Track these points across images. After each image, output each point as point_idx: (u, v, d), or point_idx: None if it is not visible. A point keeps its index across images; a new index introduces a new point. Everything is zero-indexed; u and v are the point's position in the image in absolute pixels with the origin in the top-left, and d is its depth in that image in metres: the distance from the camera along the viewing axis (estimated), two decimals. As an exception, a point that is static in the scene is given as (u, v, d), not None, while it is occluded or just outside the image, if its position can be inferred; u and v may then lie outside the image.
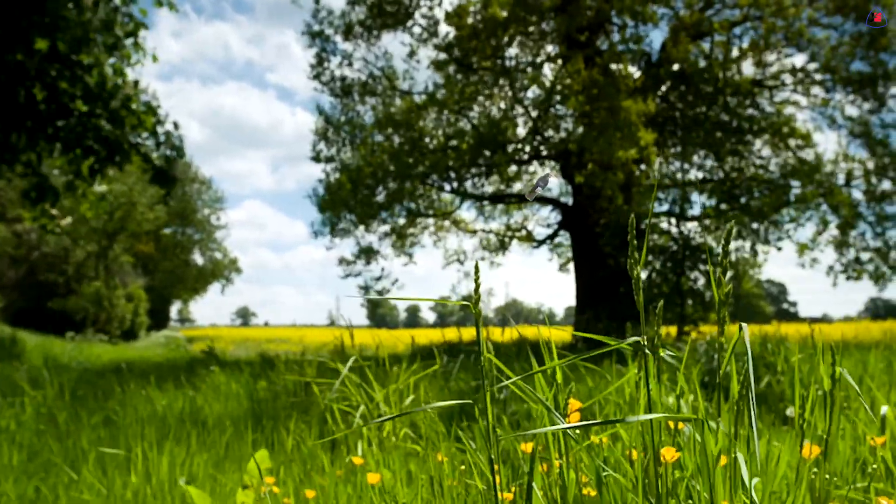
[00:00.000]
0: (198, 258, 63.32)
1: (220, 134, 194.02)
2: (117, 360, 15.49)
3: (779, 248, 19.26)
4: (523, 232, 22.37)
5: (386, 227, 20.81)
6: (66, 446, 4.57)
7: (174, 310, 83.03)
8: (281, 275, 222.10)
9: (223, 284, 65.24)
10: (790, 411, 3.85)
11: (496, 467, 1.62)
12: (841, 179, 18.75)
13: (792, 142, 18.84)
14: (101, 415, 5.83)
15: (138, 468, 3.67)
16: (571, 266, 21.44)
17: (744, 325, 1.48)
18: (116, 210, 43.54)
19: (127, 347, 30.05)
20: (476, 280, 1.58)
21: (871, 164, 18.54)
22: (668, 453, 1.70)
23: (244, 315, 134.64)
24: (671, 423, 1.87)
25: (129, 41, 14.50)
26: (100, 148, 14.25)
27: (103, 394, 7.39)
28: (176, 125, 15.83)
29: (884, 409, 2.36)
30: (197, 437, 4.67)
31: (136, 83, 15.17)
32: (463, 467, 2.31)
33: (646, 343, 1.65)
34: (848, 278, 18.87)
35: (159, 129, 15.54)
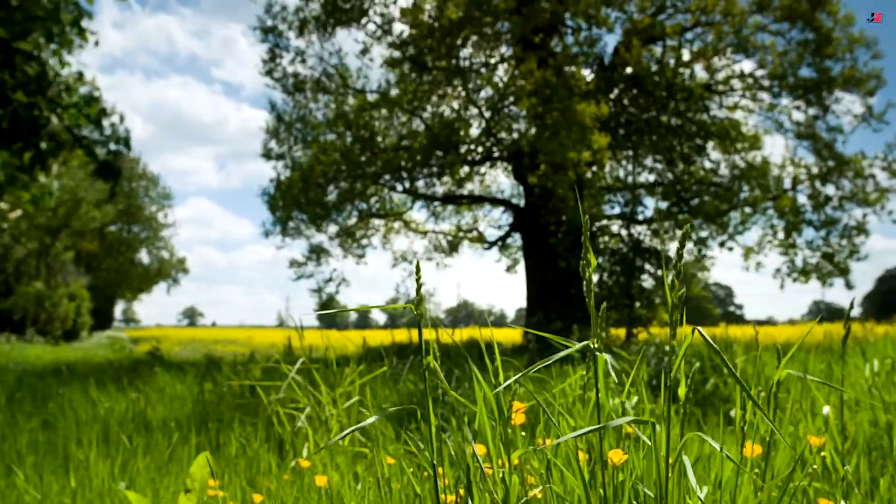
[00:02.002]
0: (144, 257, 62.23)
1: (163, 129, 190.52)
2: (58, 361, 15.15)
3: (730, 249, 19.63)
4: (474, 233, 22.42)
5: (337, 227, 20.67)
6: (2, 450, 4.45)
7: (118, 310, 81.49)
8: (228, 274, 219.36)
9: (170, 284, 64.25)
10: (734, 412, 3.93)
11: (441, 470, 1.62)
12: (787, 184, 19.21)
13: (740, 146, 19.23)
14: (40, 418, 5.69)
15: (77, 472, 3.59)
16: (521, 267, 21.58)
17: (700, 328, 1.50)
18: (60, 206, 42.54)
19: (68, 348, 29.39)
20: (418, 281, 1.57)
21: (815, 170, 19.03)
22: (616, 456, 1.72)
23: (191, 315, 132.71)
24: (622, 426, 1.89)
25: (71, 30, 14.16)
26: (41, 140, 13.90)
27: (42, 397, 7.22)
28: (122, 117, 15.52)
29: (826, 409, 2.42)
30: (139, 440, 4.58)
31: (80, 74, 14.84)
32: (410, 469, 2.31)
33: (595, 345, 1.66)
34: (794, 281, 19.32)
35: (105, 122, 15.20)
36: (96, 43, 14.89)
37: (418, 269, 1.58)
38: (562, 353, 1.61)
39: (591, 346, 1.68)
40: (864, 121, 18.75)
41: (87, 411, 5.86)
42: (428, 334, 1.74)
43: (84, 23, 14.22)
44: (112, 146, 15.70)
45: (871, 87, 18.44)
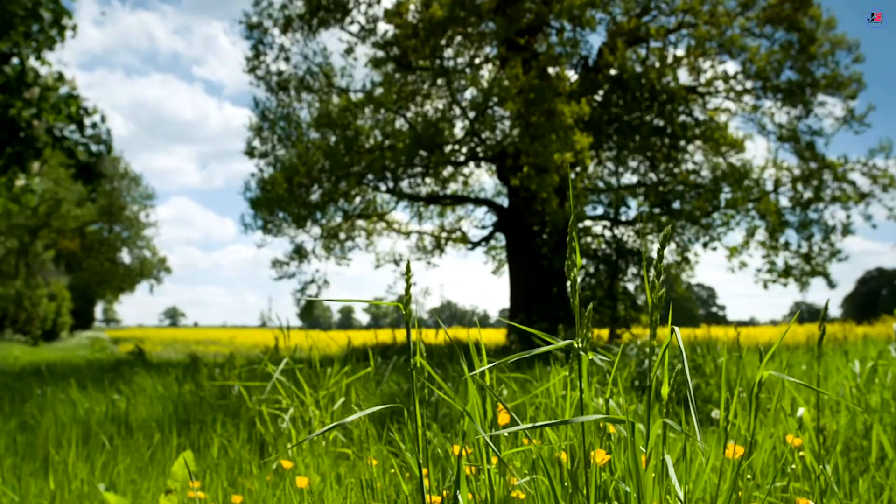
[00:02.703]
0: (125, 256, 61.77)
1: (144, 128, 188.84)
2: (37, 362, 15.01)
3: (714, 249, 19.73)
4: (458, 233, 22.41)
5: (320, 229, 20.61)
6: (-21, 452, 4.40)
7: (99, 310, 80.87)
8: (210, 274, 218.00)
9: (152, 284, 63.80)
10: (715, 413, 3.95)
11: (425, 471, 1.62)
12: (769, 186, 19.34)
13: (723, 148, 19.34)
14: (18, 419, 5.63)
15: (57, 474, 3.56)
16: (504, 267, 21.60)
17: (676, 328, 1.51)
18: (41, 205, 42.15)
19: (48, 349, 29.13)
20: (407, 280, 1.57)
21: (797, 172, 19.18)
22: (599, 456, 1.72)
23: (173, 315, 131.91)
24: (601, 425, 1.89)
25: (52, 30, 14.02)
26: (19, 143, 13.75)
27: (21, 397, 7.14)
28: (103, 118, 15.39)
29: (801, 410, 2.44)
30: (120, 441, 4.55)
31: (59, 74, 14.70)
32: (393, 470, 2.30)
33: (579, 345, 1.66)
34: (774, 282, 19.46)
35: (86, 122, 15.06)
36: (74, 28, 14.71)
37: (409, 270, 1.58)
38: (541, 350, 1.61)
39: (576, 345, 1.68)
40: (846, 123, 18.92)
41: (66, 412, 5.80)
42: (413, 334, 1.73)
43: (64, 21, 14.07)
44: (93, 147, 15.57)
45: (853, 91, 18.62)
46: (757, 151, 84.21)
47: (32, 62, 14.00)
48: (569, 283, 1.67)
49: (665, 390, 1.66)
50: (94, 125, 15.25)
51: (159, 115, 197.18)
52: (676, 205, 19.38)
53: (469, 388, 1.82)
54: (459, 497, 1.58)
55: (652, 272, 1.54)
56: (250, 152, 20.51)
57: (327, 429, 1.52)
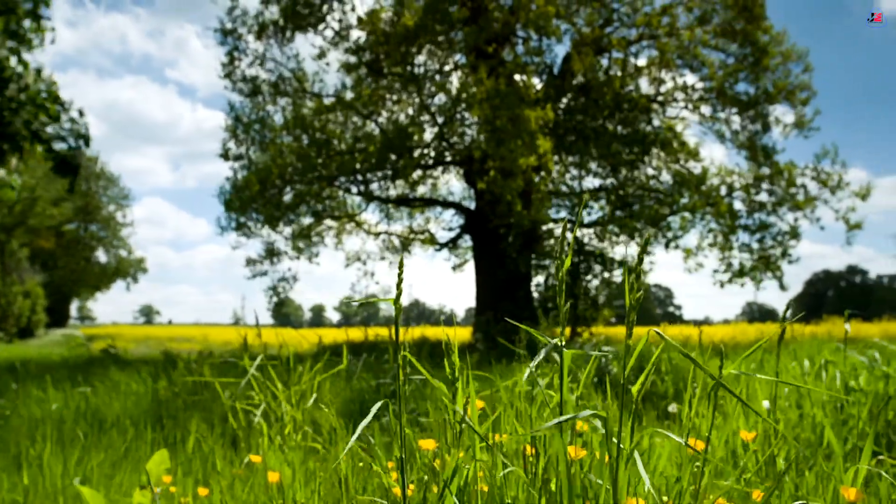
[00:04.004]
0: (101, 256, 60.92)
1: (116, 129, 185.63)
2: (11, 358, 14.72)
3: (676, 247, 19.93)
4: (426, 234, 22.42)
5: (292, 228, 20.50)
6: (-47, 448, 4.30)
7: (74, 307, 79.59)
8: (183, 273, 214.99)
9: (128, 283, 62.99)
10: (672, 408, 3.98)
11: (390, 464, 1.60)
12: (724, 190, 19.59)
13: (681, 155, 19.56)
14: (-8, 415, 5.52)
15: (30, 470, 3.48)
16: (469, 267, 21.66)
17: (659, 330, 1.50)
18: (17, 203, 41.38)
19: (23, 346, 28.61)
20: (399, 276, 1.55)
21: (750, 177, 19.45)
22: (572, 451, 1.72)
23: (147, 313, 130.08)
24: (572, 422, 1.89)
25: (28, 23, 13.72)
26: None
27: (-5, 393, 7.00)
28: (81, 112, 15.13)
29: (766, 403, 2.46)
30: (94, 437, 4.47)
31: (38, 71, 14.43)
32: (362, 464, 2.28)
33: (560, 343, 1.66)
34: (730, 282, 19.73)
35: (63, 117, 14.80)
36: (53, 41, 14.49)
37: (401, 266, 1.56)
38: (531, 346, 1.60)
39: (559, 343, 1.67)
40: (797, 128, 19.23)
41: (40, 408, 5.70)
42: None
43: (41, 10, 13.75)
44: (71, 142, 15.31)
45: (804, 98, 18.93)
46: (713, 157, 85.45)
47: (13, 62, 13.73)
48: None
49: (636, 388, 1.66)
50: (72, 120, 14.98)
51: (132, 117, 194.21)
52: (636, 208, 19.56)
53: (437, 383, 1.81)
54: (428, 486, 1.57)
55: (632, 275, 1.54)
56: (225, 154, 20.34)
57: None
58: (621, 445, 1.59)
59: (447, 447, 1.81)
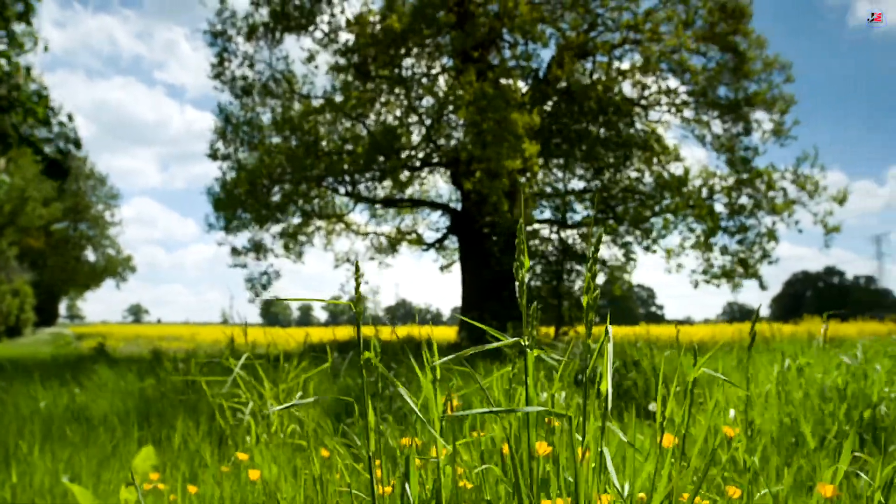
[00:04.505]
0: (90, 255, 60.53)
1: (105, 129, 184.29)
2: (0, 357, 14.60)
3: (653, 251, 20.02)
4: (413, 235, 22.42)
5: (280, 227, 20.44)
6: (-60, 446, 4.25)
7: (63, 306, 79.04)
8: (173, 273, 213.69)
9: (117, 282, 62.64)
10: (652, 406, 4.01)
11: (377, 462, 1.61)
12: (705, 193, 19.69)
13: (663, 158, 19.65)
14: (-20, 413, 5.47)
15: (19, 467, 3.46)
16: (455, 267, 21.67)
17: (609, 327, 1.51)
18: (6, 203, 41.02)
19: (11, 345, 28.38)
20: (357, 280, 1.56)
21: (731, 180, 19.56)
22: (541, 448, 1.73)
23: (136, 312, 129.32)
24: (546, 419, 1.90)
25: (19, 27, 13.61)
26: None
27: (-17, 391, 6.93)
28: (70, 117, 15.03)
29: (731, 412, 2.48)
30: (82, 434, 4.45)
31: (27, 71, 14.31)
32: (346, 462, 2.29)
33: (526, 342, 1.67)
34: (708, 283, 19.83)
35: (53, 121, 14.69)
36: (45, 48, 14.39)
37: (357, 269, 1.57)
38: (491, 346, 1.61)
39: (522, 343, 1.68)
40: (774, 135, 19.35)
41: (29, 406, 5.66)
42: (368, 331, 1.73)
43: (32, 16, 13.64)
44: (61, 145, 15.21)
45: (784, 107, 19.06)
46: (694, 160, 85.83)
47: (2, 62, 13.60)
48: (517, 283, 1.68)
49: (605, 386, 1.67)
50: (60, 124, 14.89)
51: (120, 118, 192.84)
52: (619, 209, 19.63)
53: (423, 382, 1.81)
54: (408, 488, 1.58)
55: (587, 274, 1.55)
56: (214, 155, 20.25)
57: (282, 408, 1.50)
58: (592, 442, 1.60)
59: (419, 446, 1.81)
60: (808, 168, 19.03)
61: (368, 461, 1.61)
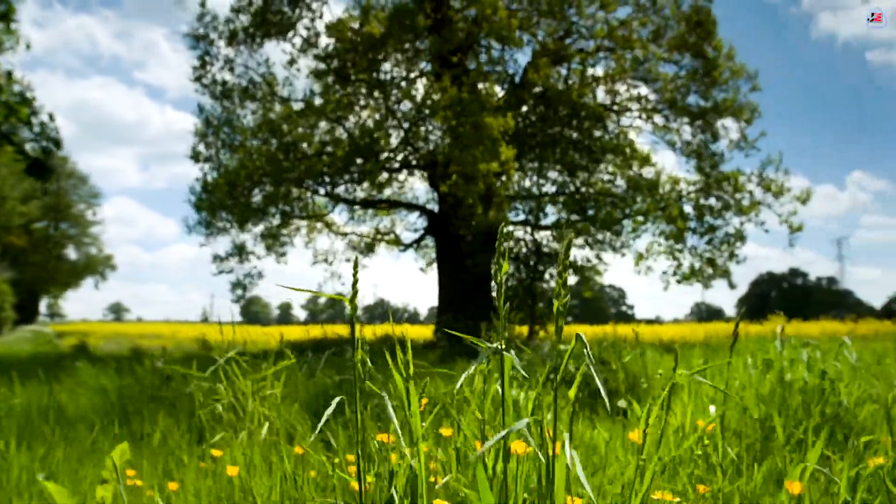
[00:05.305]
0: (71, 253, 59.80)
1: (85, 129, 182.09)
2: (-21, 354, 14.35)
3: (622, 255, 20.16)
4: (391, 236, 22.37)
5: (261, 228, 20.28)
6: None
7: (43, 304, 77.93)
8: (153, 272, 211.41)
9: (97, 280, 61.95)
10: (621, 403, 4.02)
11: (350, 458, 1.58)
12: (675, 196, 19.86)
13: (634, 163, 19.79)
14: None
15: (-5, 464, 3.39)
16: (434, 267, 21.65)
17: (581, 333, 1.50)
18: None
19: (-9, 341, 27.90)
20: (354, 276, 1.54)
21: (699, 184, 19.74)
22: (519, 447, 1.72)
23: (117, 311, 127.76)
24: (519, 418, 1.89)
25: None
26: None
27: (-39, 389, 6.80)
28: (51, 117, 14.83)
29: (712, 408, 2.48)
30: (60, 432, 4.37)
31: (9, 74, 14.09)
32: (325, 458, 2.26)
33: (502, 343, 1.66)
34: (679, 283, 20.00)
35: (34, 121, 14.50)
36: (28, 45, 14.18)
37: (356, 266, 1.55)
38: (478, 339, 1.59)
39: (499, 344, 1.67)
40: (738, 145, 19.62)
41: (5, 403, 5.56)
42: (342, 330, 1.71)
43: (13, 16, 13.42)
44: (43, 144, 15.01)
45: (749, 117, 19.31)
46: (664, 164, 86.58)
47: None
48: (493, 284, 1.67)
49: (573, 393, 1.66)
50: (42, 124, 14.69)
51: (100, 118, 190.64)
52: (591, 212, 19.73)
53: (397, 379, 1.80)
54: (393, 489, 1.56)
55: (557, 281, 1.54)
56: (195, 156, 20.07)
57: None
58: (555, 441, 1.59)
59: (390, 445, 1.80)
60: (773, 172, 19.31)
61: (357, 462, 1.59)
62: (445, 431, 1.91)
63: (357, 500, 1.79)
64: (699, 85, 19.10)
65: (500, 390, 1.84)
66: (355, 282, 1.55)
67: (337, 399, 1.63)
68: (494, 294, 1.79)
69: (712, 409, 2.89)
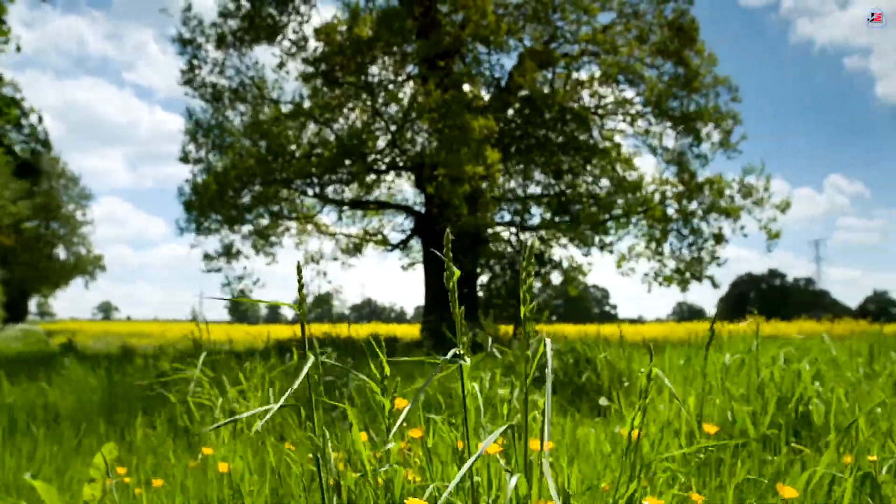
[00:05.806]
0: (61, 253, 59.35)
1: (74, 129, 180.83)
2: (-31, 352, 14.21)
3: (611, 252, 20.19)
4: (379, 236, 22.34)
5: (250, 228, 20.19)
6: None
7: (33, 303, 77.31)
8: (142, 272, 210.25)
9: (86, 280, 61.52)
10: (603, 401, 4.04)
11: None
12: (657, 198, 19.93)
13: (618, 165, 19.85)
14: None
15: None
16: (420, 267, 21.65)
17: (547, 340, 1.51)
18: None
19: (-20, 340, 27.60)
20: (299, 282, 1.54)
21: (681, 187, 19.81)
22: (493, 448, 1.72)
23: (106, 310, 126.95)
24: (503, 415, 1.89)
25: None
26: None
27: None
28: (40, 118, 14.70)
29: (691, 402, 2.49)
30: (48, 430, 4.34)
31: (-1, 77, 13.97)
32: (310, 455, 2.26)
33: (461, 352, 1.66)
34: (660, 285, 20.07)
35: (24, 122, 14.37)
36: (18, 48, 14.05)
37: (300, 271, 1.56)
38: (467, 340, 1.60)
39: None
40: (721, 147, 19.68)
41: (-6, 402, 5.51)
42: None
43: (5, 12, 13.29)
44: (32, 145, 14.87)
45: (729, 127, 19.40)
46: (647, 168, 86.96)
47: None
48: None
49: (547, 401, 1.66)
50: (31, 126, 14.55)
51: (90, 118, 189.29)
52: (576, 213, 19.77)
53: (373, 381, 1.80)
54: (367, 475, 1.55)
55: (523, 287, 1.55)
56: (185, 158, 19.98)
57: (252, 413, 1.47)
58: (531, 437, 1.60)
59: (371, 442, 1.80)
60: (753, 179, 19.41)
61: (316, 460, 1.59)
62: (415, 433, 1.91)
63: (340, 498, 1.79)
64: (681, 90, 19.18)
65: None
66: (300, 287, 1.56)
67: (286, 395, 1.63)
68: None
69: (689, 407, 2.90)
